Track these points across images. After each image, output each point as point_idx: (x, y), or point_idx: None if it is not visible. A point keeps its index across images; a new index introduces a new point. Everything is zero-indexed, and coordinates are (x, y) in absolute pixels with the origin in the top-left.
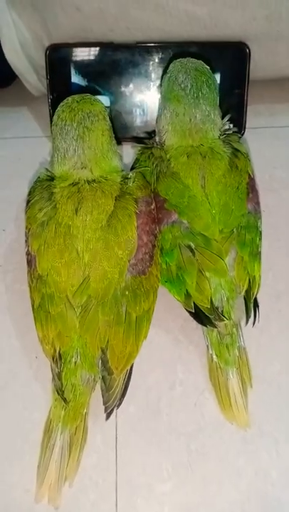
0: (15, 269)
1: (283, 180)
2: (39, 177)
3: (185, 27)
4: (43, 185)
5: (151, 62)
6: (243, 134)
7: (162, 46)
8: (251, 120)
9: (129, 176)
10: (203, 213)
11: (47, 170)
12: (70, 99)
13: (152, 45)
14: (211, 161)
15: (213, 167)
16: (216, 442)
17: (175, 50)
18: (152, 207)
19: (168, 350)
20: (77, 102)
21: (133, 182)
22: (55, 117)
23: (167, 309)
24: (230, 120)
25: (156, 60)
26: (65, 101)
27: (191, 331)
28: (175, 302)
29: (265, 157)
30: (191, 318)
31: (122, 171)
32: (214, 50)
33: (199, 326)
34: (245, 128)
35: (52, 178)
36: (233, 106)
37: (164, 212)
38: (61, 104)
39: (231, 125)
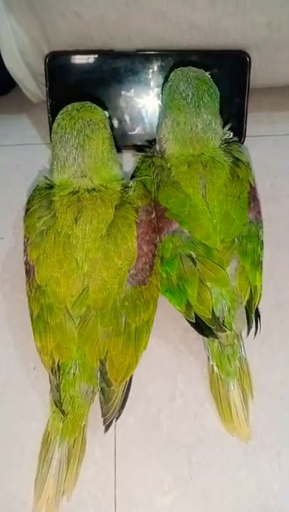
0: (13, 278)
1: (284, 189)
2: (38, 185)
3: (185, 34)
4: (42, 194)
5: (151, 71)
6: (243, 143)
7: (162, 54)
8: (251, 128)
9: (129, 185)
10: (204, 223)
11: (46, 178)
12: (70, 107)
13: (152, 53)
14: (212, 170)
15: (214, 176)
16: (216, 454)
17: (175, 59)
18: (153, 216)
19: (168, 361)
20: (77, 110)
21: (133, 191)
22: (54, 125)
23: (167, 319)
24: (231, 128)
25: (157, 68)
26: (65, 109)
27: (192, 341)
28: (175, 312)
29: (265, 165)
30: (192, 329)
31: (122, 179)
32: (214, 58)
33: (200, 336)
34: (245, 136)
35: (51, 187)
36: (233, 114)
37: (164, 222)
38: (61, 111)
39: (231, 134)
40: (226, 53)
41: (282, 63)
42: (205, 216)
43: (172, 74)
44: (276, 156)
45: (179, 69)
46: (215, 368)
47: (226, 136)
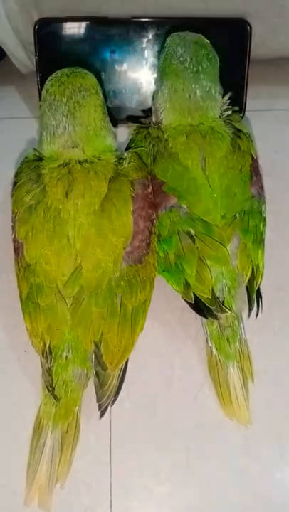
0: (1, 257)
1: (285, 165)
2: (26, 157)
3: None
4: (31, 166)
5: (146, 39)
6: (242, 117)
7: (158, 22)
8: (251, 102)
9: (124, 156)
10: (203, 197)
11: (35, 150)
12: (59, 72)
13: (148, 20)
14: (212, 141)
15: (214, 148)
16: (216, 441)
17: (172, 26)
18: (149, 190)
19: (165, 344)
20: (67, 75)
21: (128, 163)
22: (43, 92)
23: (163, 300)
24: (230, 101)
25: (152, 37)
26: (54, 74)
27: (190, 322)
28: (171, 292)
29: (265, 141)
30: (189, 309)
31: (116, 151)
32: (213, 26)
33: (198, 317)
34: (245, 110)
35: (40, 159)
36: (233, 86)
37: (161, 196)
38: (50, 77)
39: (230, 106)
40: (226, 21)
41: (283, 33)
42: (205, 190)
43: (169, 38)
44: (277, 131)
45: (176, 33)
46: (214, 350)
47: (225, 107)
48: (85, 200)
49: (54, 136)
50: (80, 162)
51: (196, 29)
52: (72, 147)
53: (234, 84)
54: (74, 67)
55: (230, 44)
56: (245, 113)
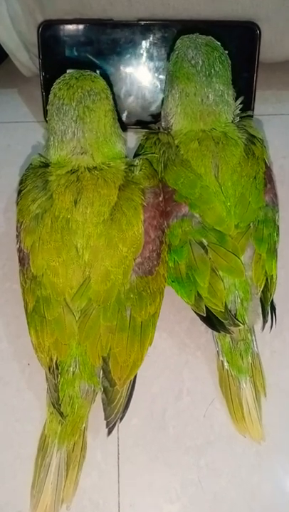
0: (5, 265)
1: None
2: (32, 163)
3: (191, 1)
4: (37, 173)
5: (153, 42)
6: None
7: (165, 24)
8: (258, 107)
9: (135, 163)
10: (217, 206)
11: (41, 155)
12: (67, 75)
13: (155, 22)
14: (225, 147)
15: (227, 154)
16: (227, 457)
17: (179, 29)
18: (160, 198)
19: (173, 356)
20: (76, 78)
21: (139, 170)
22: (51, 95)
23: (172, 310)
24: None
25: (159, 40)
26: (62, 77)
27: (199, 334)
28: (180, 302)
29: (274, 146)
30: (199, 321)
31: (126, 157)
32: (222, 29)
33: (208, 329)
34: (253, 114)
35: (47, 165)
36: (241, 90)
37: (173, 205)
38: (58, 80)
39: (240, 111)
40: (235, 24)
41: None
42: (218, 199)
43: (179, 41)
44: (285, 136)
45: (186, 36)
46: (225, 364)
47: (237, 111)
48: (94, 209)
49: (62, 141)
50: (88, 169)
51: (204, 32)
52: (81, 153)
53: (243, 88)
54: (83, 70)
55: (239, 47)
56: (253, 118)
